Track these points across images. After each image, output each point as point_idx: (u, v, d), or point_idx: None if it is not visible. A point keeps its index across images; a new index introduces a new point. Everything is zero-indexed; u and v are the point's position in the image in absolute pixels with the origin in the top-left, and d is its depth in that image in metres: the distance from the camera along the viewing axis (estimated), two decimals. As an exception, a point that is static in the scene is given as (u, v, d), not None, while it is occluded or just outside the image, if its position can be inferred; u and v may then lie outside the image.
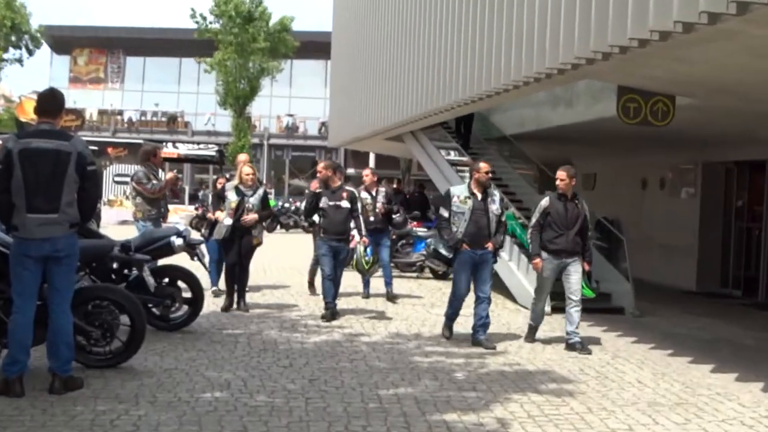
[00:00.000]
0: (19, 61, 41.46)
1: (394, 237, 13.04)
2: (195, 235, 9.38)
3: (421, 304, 11.20)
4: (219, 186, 10.52)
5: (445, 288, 12.71)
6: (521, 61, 8.78)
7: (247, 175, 9.59)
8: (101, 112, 46.11)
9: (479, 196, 8.20)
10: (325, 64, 41.85)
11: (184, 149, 39.24)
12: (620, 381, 6.95)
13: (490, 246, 8.18)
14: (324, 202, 9.45)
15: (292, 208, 28.37)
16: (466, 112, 13.49)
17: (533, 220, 8.50)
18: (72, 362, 5.83)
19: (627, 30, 6.53)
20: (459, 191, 8.30)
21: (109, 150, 39.16)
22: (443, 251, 8.34)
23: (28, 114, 24.76)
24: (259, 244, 9.79)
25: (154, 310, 8.04)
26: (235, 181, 9.67)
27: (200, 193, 18.85)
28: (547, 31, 8.05)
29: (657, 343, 8.90)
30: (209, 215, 9.93)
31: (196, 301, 8.32)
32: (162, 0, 60.33)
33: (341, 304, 10.08)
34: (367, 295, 11.36)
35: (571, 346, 8.18)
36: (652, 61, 7.31)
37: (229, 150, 36.65)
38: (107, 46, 47.96)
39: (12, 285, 5.60)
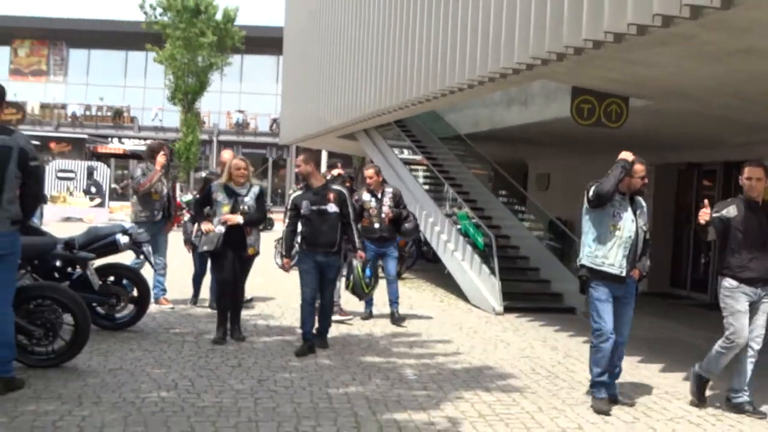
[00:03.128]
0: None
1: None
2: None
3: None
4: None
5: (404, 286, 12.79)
6: (476, 60, 8.88)
7: (239, 170, 7.96)
8: (43, 106, 45.36)
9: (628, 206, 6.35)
10: (276, 60, 41.84)
11: (130, 145, 38.63)
12: (570, 380, 7.10)
13: (636, 274, 6.32)
14: (305, 207, 7.70)
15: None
16: (421, 110, 13.58)
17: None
18: (13, 362, 5.76)
19: (582, 31, 6.66)
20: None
21: (52, 145, 38.60)
22: (611, 269, 6.15)
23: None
24: (256, 254, 8.17)
25: (98, 309, 7.99)
26: (224, 179, 8.04)
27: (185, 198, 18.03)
28: (503, 30, 8.16)
29: (608, 344, 9.06)
30: (204, 227, 7.97)
31: (142, 300, 8.25)
32: (107, -10, 59.38)
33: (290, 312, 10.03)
34: (368, 315, 9.83)
35: (738, 407, 6.30)
36: (606, 62, 7.46)
37: (177, 146, 36.30)
38: (50, 37, 47.17)
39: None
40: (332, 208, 7.67)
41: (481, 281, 11.85)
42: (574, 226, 16.37)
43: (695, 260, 14.66)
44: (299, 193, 7.88)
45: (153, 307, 8.97)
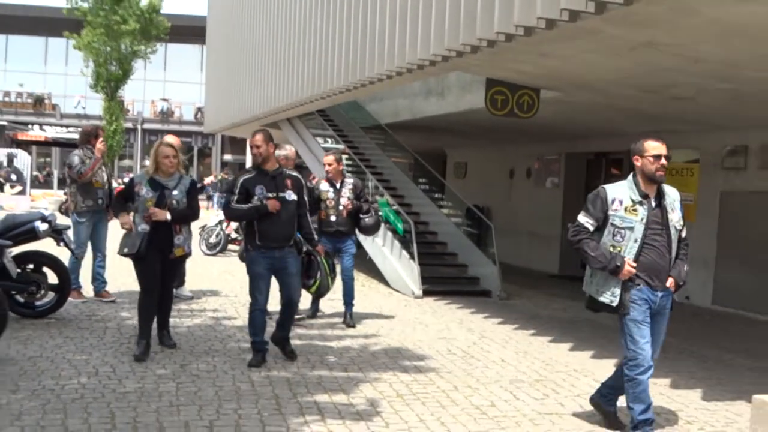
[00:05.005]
0: None
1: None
2: (62, 220, 8.98)
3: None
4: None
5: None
6: (395, 51, 8.92)
7: (167, 158, 6.66)
8: (-40, 92, 43.60)
9: (653, 200, 4.95)
10: (201, 48, 41.12)
11: (52, 132, 37.43)
12: (485, 360, 7.23)
13: (671, 283, 4.97)
14: (260, 194, 6.43)
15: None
16: (342, 100, 13.56)
17: None
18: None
19: (494, 24, 6.76)
20: (621, 193, 4.95)
21: (-31, 132, 37.17)
22: (603, 297, 5.00)
23: None
24: (186, 255, 6.97)
25: (17, 297, 7.76)
26: (149, 169, 6.75)
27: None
28: (419, 23, 8.21)
29: (521, 324, 9.27)
30: (120, 219, 6.80)
31: (63, 288, 8.05)
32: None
33: (216, 300, 9.89)
34: (314, 313, 8.83)
35: None
36: (518, 55, 7.59)
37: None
38: (-34, 22, 45.32)
39: None
40: (291, 195, 6.51)
41: (401, 266, 11.94)
42: (491, 213, 16.65)
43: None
44: (250, 175, 6.54)
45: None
